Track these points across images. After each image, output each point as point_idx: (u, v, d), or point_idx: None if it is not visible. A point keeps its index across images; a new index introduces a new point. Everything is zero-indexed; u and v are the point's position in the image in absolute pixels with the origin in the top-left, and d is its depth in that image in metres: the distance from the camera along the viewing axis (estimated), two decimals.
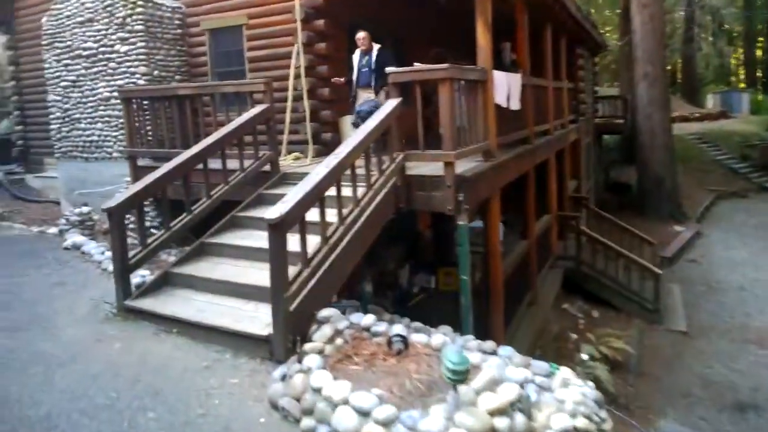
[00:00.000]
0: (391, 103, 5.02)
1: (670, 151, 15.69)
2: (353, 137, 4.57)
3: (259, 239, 4.58)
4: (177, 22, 8.20)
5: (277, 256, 3.64)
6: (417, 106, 5.03)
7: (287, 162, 6.78)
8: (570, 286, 10.05)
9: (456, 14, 8.81)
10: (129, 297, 4.42)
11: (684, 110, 26.84)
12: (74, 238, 6.59)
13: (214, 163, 5.53)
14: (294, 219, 3.72)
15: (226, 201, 5.57)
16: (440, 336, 3.61)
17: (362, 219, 4.52)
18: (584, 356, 7.11)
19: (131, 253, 4.71)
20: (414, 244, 8.61)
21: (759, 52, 37.68)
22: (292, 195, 3.77)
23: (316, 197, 3.94)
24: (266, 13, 7.52)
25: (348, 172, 4.38)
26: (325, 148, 7.30)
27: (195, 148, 5.37)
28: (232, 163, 5.74)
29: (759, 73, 36.90)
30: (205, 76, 8.30)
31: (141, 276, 4.91)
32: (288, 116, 7.23)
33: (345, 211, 4.37)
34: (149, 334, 3.88)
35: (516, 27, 7.46)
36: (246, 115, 5.84)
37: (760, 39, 37.61)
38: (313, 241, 4.03)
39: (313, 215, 3.99)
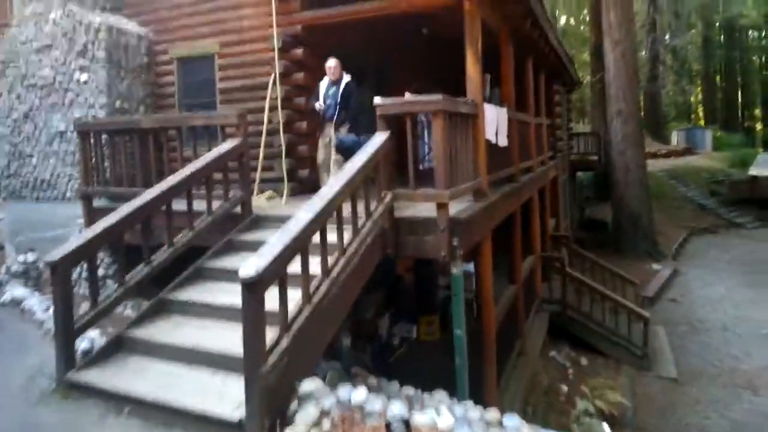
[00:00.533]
0: (379, 138, 4.56)
1: (645, 188, 15.74)
2: (339, 175, 4.06)
3: (229, 294, 4.01)
4: (143, 50, 7.65)
5: (252, 321, 3.05)
6: (407, 140, 4.62)
7: (260, 203, 6.21)
8: (555, 330, 9.63)
9: (440, 45, 8.55)
10: (73, 368, 3.71)
11: (651, 147, 27.41)
12: (15, 291, 5.77)
13: (179, 204, 4.93)
14: (273, 275, 3.16)
15: (192, 247, 4.96)
16: (448, 417, 3.05)
17: (348, 269, 3.98)
18: (581, 410, 6.62)
19: (80, 311, 4.04)
20: (393, 290, 8.06)
21: (718, 92, 39.29)
22: (270, 246, 3.22)
23: (298, 248, 3.40)
24: (241, 41, 7.04)
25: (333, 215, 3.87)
26: (300, 186, 6.79)
27: (157, 188, 4.75)
28: (199, 204, 5.14)
29: (718, 111, 38.38)
30: (171, 108, 7.72)
31: (90, 340, 4.21)
32: (262, 152, 6.70)
33: (330, 260, 3.83)
34: (94, 418, 3.18)
35: (500, 59, 7.20)
36: (216, 151, 5.28)
37: (718, 78, 39.32)
38: (293, 296, 3.47)
39: (293, 266, 3.44)
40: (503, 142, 6.79)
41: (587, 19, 28.04)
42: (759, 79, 40.63)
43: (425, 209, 4.84)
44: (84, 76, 7.16)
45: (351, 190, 4.04)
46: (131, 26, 7.62)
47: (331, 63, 6.13)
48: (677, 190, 22.11)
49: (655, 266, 15.10)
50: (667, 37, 29.44)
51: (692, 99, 40.18)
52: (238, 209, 5.50)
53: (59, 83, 7.35)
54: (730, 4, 32.38)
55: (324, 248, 3.72)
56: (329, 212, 3.74)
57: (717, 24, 36.74)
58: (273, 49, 6.60)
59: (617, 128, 15.31)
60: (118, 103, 7.22)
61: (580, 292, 9.75)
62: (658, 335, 10.16)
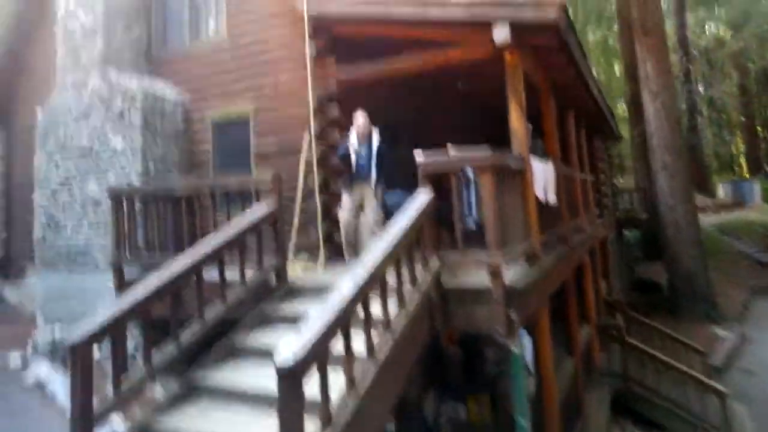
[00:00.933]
0: (423, 197, 4.15)
1: (699, 246, 14.75)
2: (381, 239, 3.62)
3: (262, 376, 3.55)
4: (179, 115, 7.60)
5: (288, 414, 2.59)
6: (452, 199, 4.21)
7: (295, 270, 5.81)
8: (617, 406, 8.67)
9: (476, 99, 8.29)
10: None
11: (697, 201, 26.33)
12: (40, 371, 5.41)
13: (211, 272, 4.55)
14: (312, 361, 2.68)
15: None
16: None
17: (396, 348, 3.47)
18: None
19: (106, 390, 3.62)
20: (436, 363, 7.37)
21: (760, 142, 38.01)
22: (309, 326, 2.77)
23: (340, 326, 2.93)
24: (276, 102, 6.90)
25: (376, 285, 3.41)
26: (337, 251, 6.38)
27: (188, 257, 4.40)
28: (232, 273, 4.76)
29: (762, 161, 36.98)
30: (206, 173, 7.55)
31: (110, 428, 3.75)
32: (297, 215, 6.38)
33: (375, 338, 3.33)
34: None
35: (540, 111, 6.83)
36: (250, 216, 4.95)
37: (759, 128, 38.12)
38: (335, 378, 2.96)
39: (333, 343, 2.96)
40: (552, 199, 6.30)
41: (617, 71, 27.94)
42: None
43: (474, 276, 4.36)
44: (120, 143, 7.09)
45: (395, 257, 3.60)
46: (168, 91, 7.61)
47: (362, 118, 5.80)
48: (731, 245, 20.84)
49: (719, 331, 13.85)
50: (701, 87, 28.97)
51: (733, 150, 39.00)
52: (273, 278, 5.10)
53: (95, 150, 7.30)
54: (765, 51, 31.84)
55: (368, 325, 3.24)
56: (373, 282, 3.29)
57: (752, 72, 36.05)
58: (308, 110, 6.41)
59: (664, 183, 14.58)
60: (152, 169, 7.08)
61: (642, 363, 8.83)
62: (736, 415, 9.01)
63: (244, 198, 5.47)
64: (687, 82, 26.24)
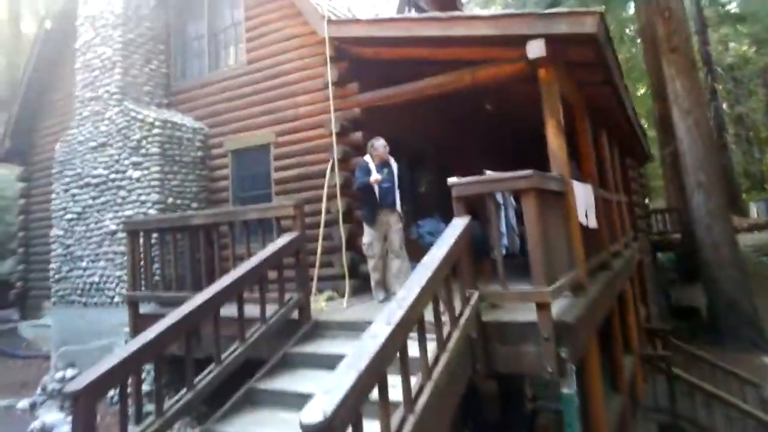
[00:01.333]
0: (460, 224, 3.77)
1: (740, 268, 13.98)
2: (418, 273, 3.24)
3: (286, 427, 3.15)
4: (198, 144, 7.41)
5: None
6: (491, 224, 3.83)
7: (319, 304, 5.45)
8: None
9: (505, 120, 7.95)
10: None
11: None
12: (47, 416, 5.10)
13: (229, 309, 4.22)
14: (345, 418, 2.29)
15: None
16: None
17: (437, 395, 3.05)
18: None
19: None
20: (471, 401, 6.87)
21: None
22: (340, 377, 2.39)
23: (376, 375, 2.54)
24: (297, 128, 6.66)
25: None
26: (362, 284, 6.01)
27: (205, 294, 4.07)
28: (252, 309, 4.41)
29: None
30: (225, 203, 7.32)
31: None
32: (320, 245, 6.04)
33: (413, 385, 2.93)
34: None
35: (575, 131, 6.43)
36: (271, 247, 4.61)
37: None
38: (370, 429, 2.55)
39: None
40: (593, 223, 5.86)
41: (639, 91, 27.45)
42: None
43: (518, 310, 3.96)
44: (137, 173, 6.89)
45: (433, 292, 3.21)
46: (186, 121, 7.45)
47: (382, 143, 5.42)
48: None
49: (766, 359, 13.01)
50: (724, 105, 28.28)
51: (763, 168, 37.90)
52: (296, 314, 4.74)
53: (112, 181, 7.12)
54: None
55: (406, 372, 2.84)
56: (411, 323, 2.90)
57: None
58: (330, 135, 6.14)
59: (700, 203, 13.93)
60: (170, 200, 6.86)
61: (692, 396, 8.17)
62: None
63: (264, 228, 5.16)
64: (713, 100, 25.60)
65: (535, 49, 4.62)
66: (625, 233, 9.18)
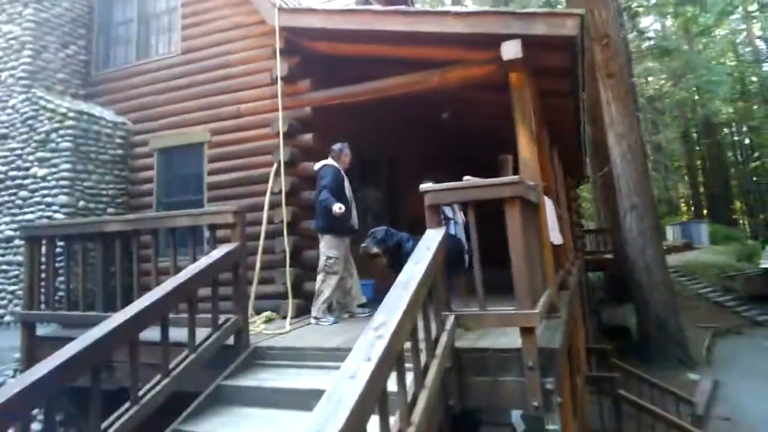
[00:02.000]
0: (434, 236, 3.26)
1: (670, 289, 14.48)
2: (396, 294, 2.66)
3: None
4: (119, 140, 6.49)
5: None
6: (471, 237, 3.38)
7: (258, 327, 4.73)
8: None
9: (460, 131, 7.61)
10: None
11: None
12: None
13: (151, 332, 3.43)
14: None
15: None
16: None
17: None
18: None
19: None
20: None
21: (700, 186, 39.84)
22: None
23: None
24: (238, 127, 5.94)
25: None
26: (307, 304, 5.36)
27: (121, 316, 3.28)
28: (179, 332, 3.65)
29: (703, 206, 38.65)
30: (148, 209, 6.43)
31: None
32: (259, 259, 5.34)
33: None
34: None
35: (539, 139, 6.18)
36: (205, 260, 3.87)
37: (700, 172, 40.03)
38: None
39: None
40: (558, 239, 5.58)
41: None
42: (736, 175, 41.54)
43: (497, 336, 3.51)
44: (43, 171, 5.89)
45: (413, 317, 2.65)
46: (106, 114, 6.53)
47: (347, 149, 5.01)
48: (688, 287, 20.92)
49: (691, 376, 13.43)
50: (646, 135, 29.99)
51: (678, 193, 40.63)
52: (231, 339, 4.02)
53: (12, 179, 6.07)
54: (704, 101, 33.62)
55: (385, 415, 2.23)
56: (393, 355, 2.31)
57: (693, 120, 38.08)
58: (276, 135, 5.49)
59: (633, 224, 14.33)
60: (81, 203, 5.91)
61: (638, 419, 8.08)
62: None
63: (195, 238, 4.40)
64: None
65: (511, 50, 4.24)
66: (573, 252, 9.10)
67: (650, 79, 34.54)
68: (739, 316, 18.96)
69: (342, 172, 4.98)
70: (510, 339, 3.56)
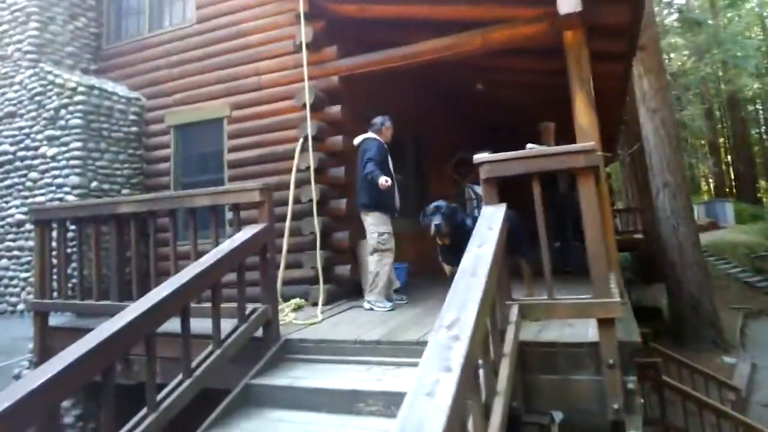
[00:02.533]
0: (495, 214, 2.82)
1: (704, 269, 13.91)
2: (465, 283, 2.20)
3: None
4: (132, 117, 6.09)
5: None
6: (537, 214, 2.91)
7: (288, 317, 4.35)
8: None
9: (494, 104, 7.09)
10: None
11: None
12: None
13: (172, 324, 3.05)
14: None
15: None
16: None
17: None
18: None
19: None
20: None
21: (724, 164, 38.77)
22: None
23: None
24: (259, 100, 5.49)
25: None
26: (338, 290, 4.97)
27: (137, 308, 2.89)
28: (200, 323, 3.26)
29: (727, 184, 37.62)
30: (166, 189, 6.05)
31: None
32: (286, 242, 4.93)
33: None
34: None
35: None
36: (229, 244, 3.47)
37: (723, 150, 38.96)
38: None
39: None
40: None
41: None
42: (761, 152, 40.30)
43: (566, 327, 3.10)
44: (53, 150, 5.52)
45: (486, 311, 2.20)
46: (119, 89, 6.12)
47: (389, 122, 4.61)
48: (717, 267, 20.26)
49: (726, 359, 12.93)
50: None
51: (700, 172, 39.55)
52: (259, 331, 3.63)
53: (21, 160, 5.72)
54: (729, 77, 32.43)
55: None
56: (474, 361, 1.86)
57: (717, 97, 36.88)
58: (301, 108, 5.04)
59: (666, 203, 13.71)
60: (94, 184, 5.54)
61: (684, 407, 7.62)
62: None
63: (218, 219, 4.00)
64: None
65: (569, 3, 3.73)
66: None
67: (672, 55, 33.37)
68: None
69: (385, 146, 4.56)
70: (576, 330, 3.16)
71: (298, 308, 4.73)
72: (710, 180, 40.54)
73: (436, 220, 3.23)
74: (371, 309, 4.46)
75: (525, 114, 6.61)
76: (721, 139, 38.98)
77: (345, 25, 5.15)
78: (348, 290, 5.04)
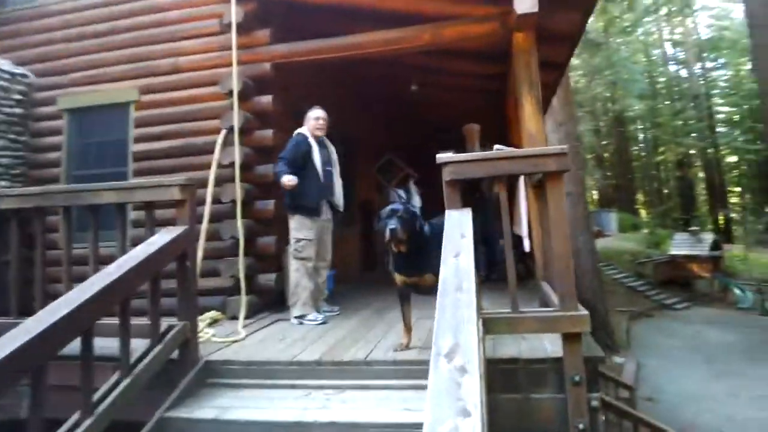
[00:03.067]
0: (464, 219, 2.59)
1: (598, 275, 14.91)
2: (448, 300, 1.89)
3: None
4: (16, 96, 5.16)
5: None
6: (503, 220, 2.82)
7: (205, 335, 3.81)
8: None
9: (427, 109, 6.93)
10: None
11: None
12: None
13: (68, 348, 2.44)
14: None
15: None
16: None
17: None
18: None
19: None
20: None
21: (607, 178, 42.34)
22: None
23: None
24: (175, 84, 4.86)
25: None
26: (261, 301, 4.50)
27: (22, 334, 2.26)
28: (106, 342, 2.67)
29: (608, 195, 41.18)
30: (54, 182, 5.19)
31: None
32: (202, 247, 4.37)
33: None
34: None
35: (508, 117, 5.71)
36: (144, 248, 2.91)
37: (608, 163, 42.56)
38: None
39: None
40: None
41: None
42: (640, 168, 44.61)
43: (528, 342, 2.95)
44: None
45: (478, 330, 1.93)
46: (2, 63, 5.16)
47: (322, 115, 4.22)
48: (605, 273, 21.91)
49: (616, 359, 13.95)
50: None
51: (587, 184, 42.87)
52: (176, 353, 3.09)
53: None
54: (619, 97, 35.47)
55: None
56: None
57: (604, 115, 40.24)
58: (225, 96, 4.50)
59: (566, 211, 14.50)
60: None
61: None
62: None
63: (122, 221, 3.39)
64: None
65: (526, 3, 3.60)
66: None
67: (570, 74, 35.89)
68: (650, 300, 20.14)
69: (311, 139, 4.14)
70: (533, 344, 3.02)
71: (214, 322, 4.20)
72: (593, 192, 44.13)
73: (392, 224, 2.90)
74: (300, 324, 4.05)
75: (458, 117, 6.52)
76: (606, 154, 42.54)
77: (278, 9, 4.69)
78: (269, 301, 4.59)
